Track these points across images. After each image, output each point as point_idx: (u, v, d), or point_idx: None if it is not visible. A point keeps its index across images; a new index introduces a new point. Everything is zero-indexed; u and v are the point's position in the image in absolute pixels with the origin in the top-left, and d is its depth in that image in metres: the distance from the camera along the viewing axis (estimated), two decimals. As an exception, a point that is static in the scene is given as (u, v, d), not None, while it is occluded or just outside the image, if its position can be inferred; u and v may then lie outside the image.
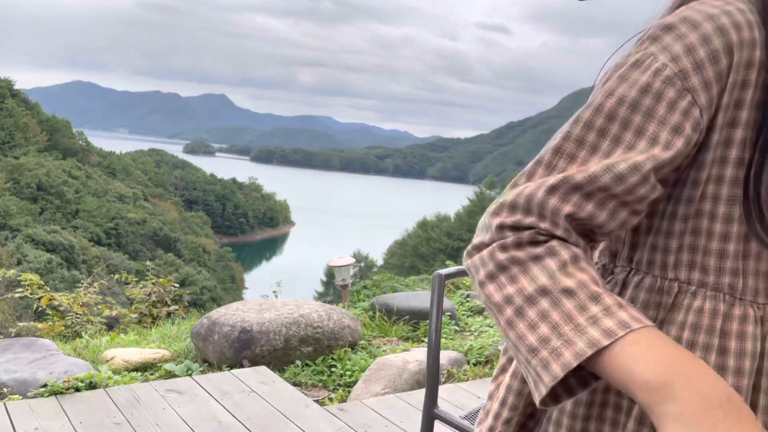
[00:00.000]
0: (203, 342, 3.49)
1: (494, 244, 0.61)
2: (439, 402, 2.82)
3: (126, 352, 3.46)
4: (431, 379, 1.30)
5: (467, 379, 3.28)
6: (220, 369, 3.34)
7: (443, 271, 1.35)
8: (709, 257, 0.62)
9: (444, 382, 3.29)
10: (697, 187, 0.62)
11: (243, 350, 3.38)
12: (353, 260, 4.28)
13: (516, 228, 0.60)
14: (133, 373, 3.18)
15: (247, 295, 49.03)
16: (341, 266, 4.14)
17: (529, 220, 0.59)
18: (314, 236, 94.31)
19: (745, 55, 0.58)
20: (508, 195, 0.62)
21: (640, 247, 0.67)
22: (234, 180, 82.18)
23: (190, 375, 3.13)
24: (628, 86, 0.59)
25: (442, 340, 3.84)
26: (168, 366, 3.28)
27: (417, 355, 3.43)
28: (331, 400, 3.11)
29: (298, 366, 3.42)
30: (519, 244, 0.59)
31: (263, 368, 3.19)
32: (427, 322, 4.15)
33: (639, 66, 0.60)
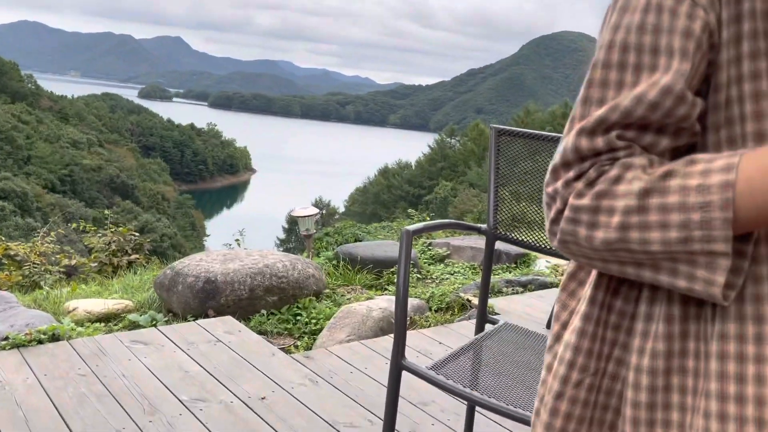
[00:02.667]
0: (167, 292, 3.49)
1: (570, 201, 0.59)
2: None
3: (88, 303, 3.44)
4: (399, 332, 1.34)
5: (429, 326, 3.37)
6: (185, 319, 3.35)
7: (411, 228, 1.37)
8: None
9: (408, 328, 3.38)
10: (721, 91, 0.59)
11: (208, 300, 3.39)
12: (317, 210, 4.29)
13: (580, 175, 0.59)
14: (97, 324, 3.17)
15: (209, 242, 48.65)
16: (305, 216, 4.15)
17: (588, 162, 0.59)
18: (275, 183, 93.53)
19: None
20: (555, 159, 0.61)
21: None
22: (192, 126, 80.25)
23: (154, 325, 3.14)
24: (630, 13, 0.59)
25: (405, 289, 3.93)
26: (132, 316, 3.28)
27: (380, 303, 3.50)
28: (296, 347, 3.17)
29: (263, 315, 3.45)
30: (591, 183, 0.58)
31: (229, 318, 3.22)
32: (390, 270, 4.23)
33: None
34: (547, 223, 0.63)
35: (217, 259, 3.64)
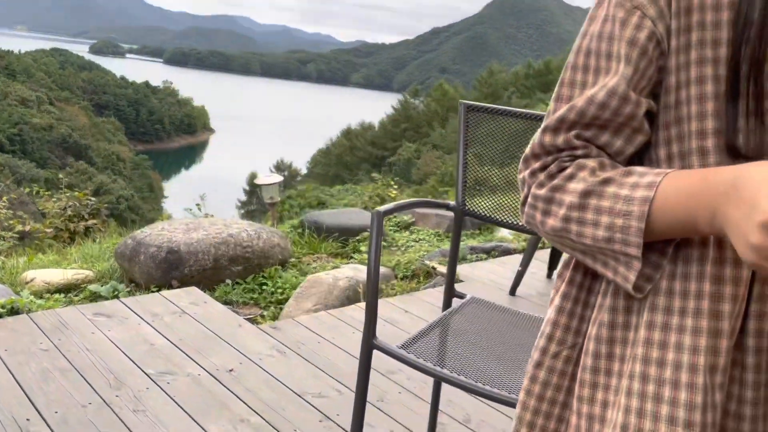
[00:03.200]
0: (129, 262, 3.43)
1: (533, 188, 0.70)
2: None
3: (47, 273, 3.36)
4: (370, 312, 1.35)
5: (396, 294, 3.41)
6: (148, 290, 3.31)
7: (382, 209, 1.37)
8: (691, 158, 0.66)
9: (373, 298, 3.41)
10: (671, 93, 0.66)
11: (171, 271, 3.35)
12: (280, 178, 4.25)
13: (544, 167, 0.70)
14: (57, 296, 3.10)
15: (168, 204, 47.78)
16: (269, 184, 4.10)
17: (551, 156, 0.69)
18: (235, 144, 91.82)
19: None
20: (527, 149, 0.72)
21: (645, 162, 0.72)
22: (147, 84, 77.68)
23: (116, 297, 3.09)
24: (594, 23, 0.69)
25: (371, 257, 3.95)
26: (93, 287, 3.22)
27: (347, 272, 3.52)
28: (263, 317, 3.18)
29: (228, 285, 3.43)
30: (551, 176, 0.69)
31: (193, 289, 3.19)
32: (356, 238, 4.24)
33: (601, 3, 0.69)
34: (521, 200, 0.74)
35: (179, 229, 3.59)
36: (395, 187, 9.99)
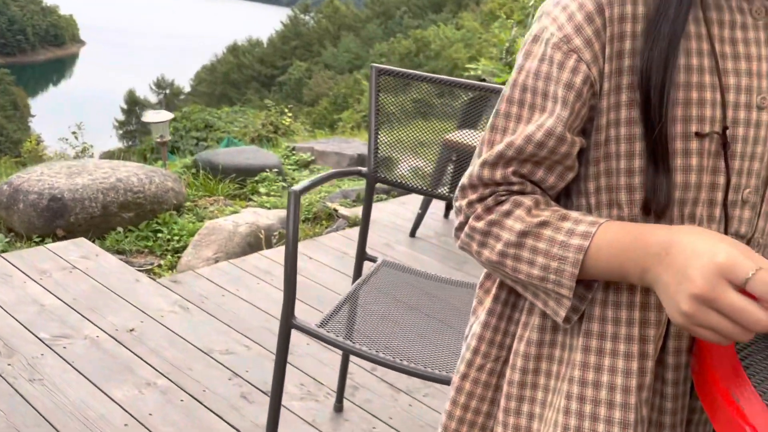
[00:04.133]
0: (6, 211, 3.16)
1: (470, 219, 0.73)
2: (273, 267, 2.93)
3: None
4: (289, 291, 1.35)
5: (299, 240, 3.40)
6: (30, 240, 3.08)
7: (297, 188, 1.34)
8: (619, 193, 0.71)
9: (276, 243, 3.38)
10: (601, 132, 0.70)
11: (55, 220, 3.13)
12: (171, 115, 3.99)
13: (481, 199, 0.73)
14: None
15: (35, 123, 43.83)
16: (159, 122, 3.85)
17: (488, 189, 0.73)
18: (109, 58, 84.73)
19: (616, 11, 0.67)
20: (465, 178, 0.74)
21: (573, 195, 0.76)
22: (3, -13, 69.06)
23: (-5, 251, 2.86)
24: (531, 59, 0.71)
25: (271, 199, 3.88)
26: (-35, 240, 2.95)
27: (247, 217, 3.45)
28: (160, 267, 3.07)
29: (119, 233, 3.27)
30: (489, 209, 0.72)
31: (82, 240, 3.00)
32: (254, 179, 4.13)
33: (537, 40, 0.71)
34: (455, 224, 0.77)
35: (61, 173, 3.33)
36: (289, 114, 9.74)
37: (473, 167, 0.74)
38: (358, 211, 3.85)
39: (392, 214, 3.83)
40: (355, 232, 3.53)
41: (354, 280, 1.92)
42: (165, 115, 3.94)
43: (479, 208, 0.72)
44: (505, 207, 0.71)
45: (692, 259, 0.56)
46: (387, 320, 1.50)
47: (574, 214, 0.69)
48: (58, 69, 77.51)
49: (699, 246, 0.57)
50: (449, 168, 2.63)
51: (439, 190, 2.10)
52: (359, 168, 1.74)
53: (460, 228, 0.75)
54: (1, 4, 65.87)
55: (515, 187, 0.72)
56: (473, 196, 0.73)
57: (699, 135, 0.68)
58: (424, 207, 3.54)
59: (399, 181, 1.79)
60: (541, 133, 0.69)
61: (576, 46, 0.67)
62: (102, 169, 3.44)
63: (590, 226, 0.66)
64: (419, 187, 1.78)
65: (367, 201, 1.78)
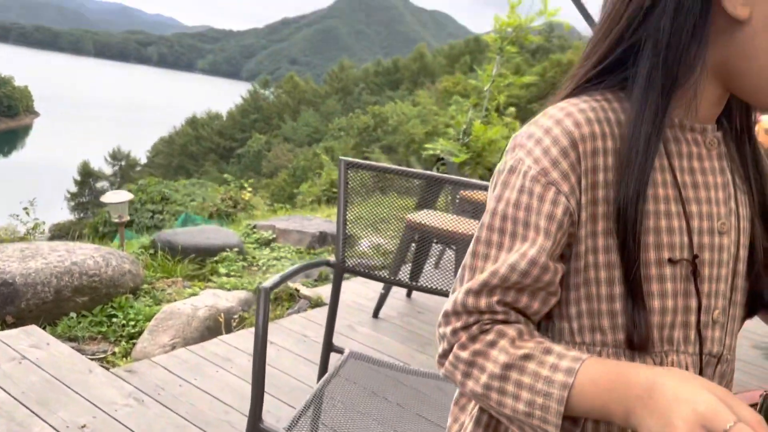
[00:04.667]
0: (-50, 297, 3.01)
1: (455, 348, 0.73)
2: (233, 353, 2.85)
3: None
4: (256, 396, 1.31)
5: (258, 322, 3.33)
6: (-25, 328, 2.93)
7: (267, 284, 1.33)
8: (602, 318, 0.72)
9: (236, 327, 3.30)
10: (580, 259, 0.72)
11: (5, 306, 3.00)
12: (130, 196, 3.94)
13: (465, 327, 0.73)
14: None
15: (-18, 196, 42.52)
16: (118, 203, 3.79)
17: (473, 318, 0.73)
18: (64, 130, 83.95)
19: (588, 146, 0.70)
20: (449, 304, 0.74)
21: (555, 317, 0.76)
22: (-43, 59, 68.40)
23: (-64, 340, 2.70)
24: (509, 190, 0.73)
25: (231, 280, 3.82)
26: None
27: (206, 300, 3.37)
28: (114, 355, 2.95)
29: (72, 318, 3.14)
30: (473, 339, 0.72)
31: (33, 328, 2.87)
32: (214, 259, 4.07)
33: (514, 171, 0.73)
34: (439, 351, 0.76)
35: (13, 256, 3.22)
36: (249, 189, 9.74)
37: (457, 294, 0.74)
38: (320, 291, 3.82)
39: (355, 293, 3.81)
40: (317, 313, 3.49)
41: (320, 371, 1.88)
42: (124, 196, 3.89)
43: (464, 337, 0.72)
44: (490, 337, 0.71)
45: (674, 405, 0.57)
46: (357, 415, 1.47)
47: (557, 348, 0.69)
48: (10, 140, 76.21)
49: (681, 392, 0.58)
50: (412, 247, 2.66)
51: (400, 276, 2.10)
52: (327, 259, 1.74)
53: (444, 356, 0.75)
54: (-47, 75, 65.17)
55: (499, 316, 0.72)
56: (457, 324, 0.73)
57: (671, 261, 0.71)
58: (387, 287, 3.54)
59: (366, 271, 1.79)
60: (525, 262, 0.70)
61: (554, 179, 0.69)
62: (57, 251, 3.34)
63: (573, 362, 0.67)
64: (383, 275, 1.78)
65: (334, 292, 1.77)
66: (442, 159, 6.41)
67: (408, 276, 2.18)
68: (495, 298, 0.72)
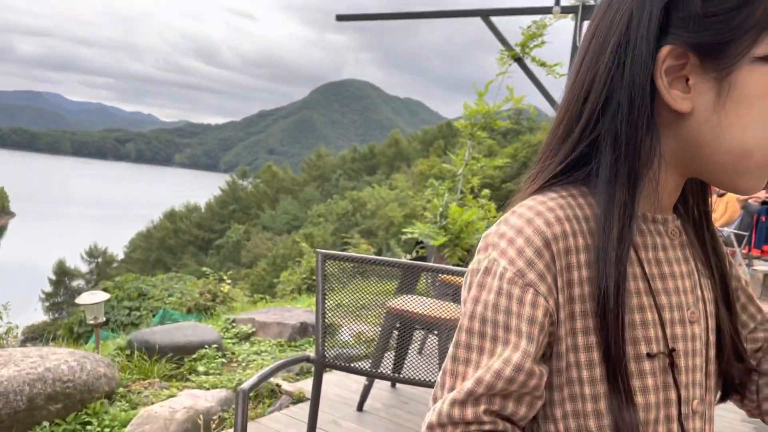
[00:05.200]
0: None
1: None
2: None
3: None
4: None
5: (240, 421, 3.21)
6: (-61, 445, 2.78)
7: (245, 386, 1.30)
8: (588, 419, 0.70)
9: (216, 429, 3.18)
10: (562, 359, 0.71)
11: (-28, 419, 2.86)
12: (107, 296, 3.88)
13: None
14: None
15: (-47, 300, 41.34)
16: (93, 304, 3.73)
17: (459, 429, 0.71)
18: (41, 229, 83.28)
19: (561, 245, 0.70)
20: (433, 415, 0.72)
21: (540, 419, 0.75)
22: (-67, 162, 68.49)
23: None
24: (486, 292, 0.71)
25: (210, 378, 3.71)
26: None
27: (184, 401, 3.26)
28: (88, 466, 2.81)
29: (45, 428, 3.00)
30: None
31: (1, 441, 2.74)
32: (192, 357, 3.97)
33: (489, 272, 0.72)
34: None
35: (-17, 365, 3.10)
36: (228, 281, 9.65)
37: (442, 405, 0.72)
38: (302, 385, 3.72)
39: (338, 385, 3.72)
40: (299, 409, 3.38)
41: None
42: (100, 296, 3.82)
43: None
44: None
45: None
46: None
47: None
48: (-16, 242, 75.17)
49: None
50: (394, 334, 2.63)
51: (384, 365, 2.07)
52: (307, 354, 1.72)
53: None
54: (-72, 179, 64.99)
55: (486, 426, 0.71)
56: None
57: (649, 356, 0.70)
58: (371, 380, 3.46)
59: (347, 364, 1.76)
60: (510, 368, 0.69)
61: (531, 280, 0.69)
62: (30, 358, 3.23)
63: None
64: (365, 367, 1.75)
65: (315, 388, 1.74)
66: (421, 242, 6.46)
67: (391, 366, 2.14)
68: (481, 408, 0.70)
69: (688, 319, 0.75)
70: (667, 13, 0.67)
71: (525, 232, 0.70)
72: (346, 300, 1.86)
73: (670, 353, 0.72)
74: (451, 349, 0.74)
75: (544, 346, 0.71)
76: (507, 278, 0.69)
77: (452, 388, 0.71)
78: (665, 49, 0.67)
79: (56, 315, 39.27)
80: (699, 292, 0.77)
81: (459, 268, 1.90)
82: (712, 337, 0.79)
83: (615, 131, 0.70)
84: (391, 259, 1.85)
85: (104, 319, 3.87)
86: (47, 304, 45.62)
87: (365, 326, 2.38)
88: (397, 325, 2.52)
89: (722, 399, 0.85)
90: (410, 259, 7.12)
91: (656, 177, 0.71)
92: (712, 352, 0.78)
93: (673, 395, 0.72)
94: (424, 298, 2.46)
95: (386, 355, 2.43)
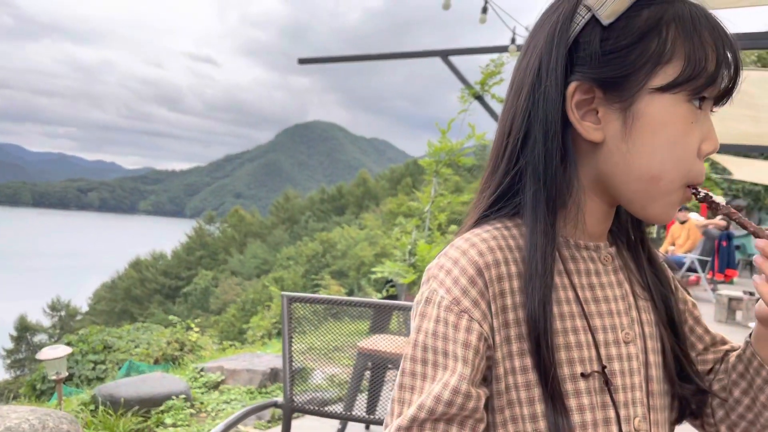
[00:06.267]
0: None
1: None
2: None
3: None
4: None
5: (210, 474, 3.11)
6: None
7: (212, 436, 1.26)
8: None
9: (185, 484, 3.07)
10: (501, 381, 0.74)
11: (-77, 488, 2.71)
12: (69, 350, 3.75)
13: None
14: None
15: None
16: (55, 359, 3.60)
17: None
18: (1, 284, 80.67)
19: (493, 272, 0.74)
20: None
21: None
22: None
23: None
24: (427, 320, 0.75)
25: (179, 430, 3.59)
26: None
27: (152, 455, 3.15)
28: None
29: (2, 493, 2.86)
30: None
31: None
32: (159, 409, 3.85)
33: (429, 302, 0.75)
34: None
35: (-64, 430, 2.96)
36: (196, 330, 9.45)
37: (390, 430, 0.74)
38: (274, 432, 3.62)
39: (311, 430, 3.64)
40: (273, 458, 3.28)
41: None
42: (62, 350, 3.68)
43: None
44: None
45: None
46: None
47: None
48: (-60, 298, 72.32)
49: None
50: (366, 375, 2.60)
51: (357, 407, 2.04)
52: (275, 399, 1.68)
53: None
54: None
55: None
56: None
57: (583, 375, 0.74)
58: (344, 423, 3.40)
59: (317, 408, 1.73)
60: (448, 391, 0.71)
61: (465, 307, 0.72)
62: (-15, 418, 3.09)
63: None
64: (336, 410, 1.72)
65: (285, 434, 1.69)
66: (391, 281, 6.45)
67: (365, 407, 2.11)
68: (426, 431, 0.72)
69: (622, 340, 0.78)
70: (572, 53, 0.73)
71: (460, 262, 0.74)
72: (318, 342, 1.84)
73: (603, 372, 0.75)
74: (398, 378, 0.76)
75: (482, 370, 0.73)
76: (444, 306, 0.73)
77: (400, 415, 0.73)
78: (572, 86, 0.72)
79: (18, 372, 37.77)
80: (635, 314, 0.81)
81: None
82: (653, 358, 0.82)
83: (534, 163, 0.74)
84: (359, 298, 1.85)
85: (67, 374, 3.74)
86: (8, 361, 43.91)
87: (338, 368, 2.35)
88: (369, 365, 2.50)
89: (678, 420, 0.87)
90: (381, 298, 7.09)
91: (579, 203, 0.76)
92: (654, 372, 0.81)
93: (612, 413, 0.74)
94: (396, 336, 2.44)
95: (359, 396, 2.39)
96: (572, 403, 0.73)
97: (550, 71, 0.73)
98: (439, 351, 0.73)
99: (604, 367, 0.75)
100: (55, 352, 3.63)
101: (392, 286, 6.62)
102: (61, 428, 3.21)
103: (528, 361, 0.72)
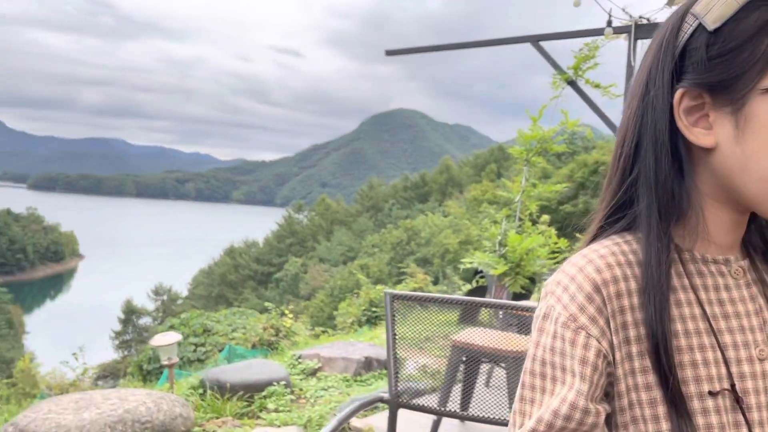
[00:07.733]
0: (6, 456, 3.03)
1: None
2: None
3: None
4: None
5: (311, 459, 3.24)
6: (30, 487, 2.91)
7: (324, 431, 1.33)
8: None
9: (289, 467, 3.21)
10: (623, 398, 0.74)
11: (59, 461, 2.99)
12: (179, 337, 4.01)
13: None
14: None
15: (30, 340, 43.41)
16: (167, 345, 3.86)
17: None
18: (108, 270, 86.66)
19: (612, 289, 0.74)
20: None
21: None
22: (9, 211, 72.67)
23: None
24: (545, 336, 0.76)
25: (281, 415, 3.76)
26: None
27: (258, 439, 3.31)
28: (168, 506, 2.88)
29: (125, 469, 3.10)
30: None
31: (87, 482, 2.85)
32: (262, 394, 4.03)
33: (547, 318, 0.77)
34: None
35: (68, 408, 3.25)
36: (290, 316, 9.78)
37: None
38: (371, 421, 3.72)
39: (409, 422, 3.70)
40: (370, 446, 3.38)
41: None
42: (173, 337, 3.95)
43: None
44: None
45: None
46: None
47: None
48: (56, 284, 78.74)
49: None
50: (461, 368, 2.62)
51: (451, 401, 2.06)
52: (381, 395, 1.74)
53: None
54: (3, 225, 68.76)
55: None
56: None
57: (711, 393, 0.72)
58: (438, 418, 3.43)
59: (418, 403, 1.77)
60: (566, 406, 0.72)
61: (583, 324, 0.73)
62: (110, 400, 3.37)
63: None
64: (432, 405, 1.76)
65: (390, 429, 1.75)
66: (481, 272, 6.41)
67: (459, 401, 2.13)
68: None
69: (756, 357, 0.76)
70: (680, 62, 0.73)
71: (577, 279, 0.75)
72: (410, 333, 1.88)
73: (734, 389, 0.73)
74: (518, 390, 0.78)
75: (602, 386, 0.74)
76: (561, 322, 0.74)
77: (521, 426, 0.75)
78: (679, 92, 0.72)
79: (125, 353, 40.54)
80: None
81: (521, 303, 1.89)
82: None
83: (646, 172, 0.75)
84: (458, 296, 1.87)
85: (177, 359, 4.00)
86: (117, 342, 47.18)
87: (429, 359, 2.38)
88: (464, 359, 2.51)
89: None
90: (470, 289, 7.05)
91: (700, 214, 0.75)
92: None
93: None
94: (489, 329, 2.45)
95: (453, 388, 2.42)
96: (700, 421, 0.71)
97: (657, 80, 0.74)
98: (557, 366, 0.74)
99: (733, 385, 0.73)
100: (166, 339, 3.88)
101: (482, 277, 6.57)
102: (174, 411, 3.44)
103: (651, 378, 0.72)
